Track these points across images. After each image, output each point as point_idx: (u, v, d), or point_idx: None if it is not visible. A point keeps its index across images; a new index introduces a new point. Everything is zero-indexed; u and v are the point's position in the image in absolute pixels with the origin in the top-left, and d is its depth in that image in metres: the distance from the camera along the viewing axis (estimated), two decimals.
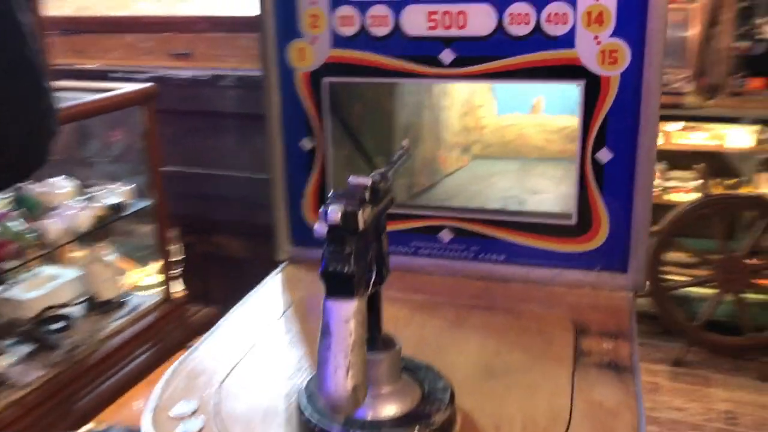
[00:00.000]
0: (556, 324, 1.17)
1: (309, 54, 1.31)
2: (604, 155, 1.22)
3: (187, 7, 2.46)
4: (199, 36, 2.30)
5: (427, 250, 1.34)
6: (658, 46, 1.14)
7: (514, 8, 1.20)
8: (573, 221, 1.26)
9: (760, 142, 3.25)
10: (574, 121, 2.26)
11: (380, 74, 1.29)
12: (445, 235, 1.33)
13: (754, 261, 3.05)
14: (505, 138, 2.33)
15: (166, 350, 1.83)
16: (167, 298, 1.93)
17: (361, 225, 0.78)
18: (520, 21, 1.20)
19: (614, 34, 1.16)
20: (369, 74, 1.29)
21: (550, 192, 1.85)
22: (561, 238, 1.28)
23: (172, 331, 1.84)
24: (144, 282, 2.58)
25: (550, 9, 1.18)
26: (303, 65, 1.32)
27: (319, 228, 0.78)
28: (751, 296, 3.09)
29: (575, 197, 1.25)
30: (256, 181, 2.18)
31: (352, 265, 0.77)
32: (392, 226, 1.36)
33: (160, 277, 2.11)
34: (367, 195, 0.82)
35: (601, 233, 1.25)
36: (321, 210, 0.79)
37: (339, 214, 0.77)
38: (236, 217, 2.26)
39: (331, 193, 0.81)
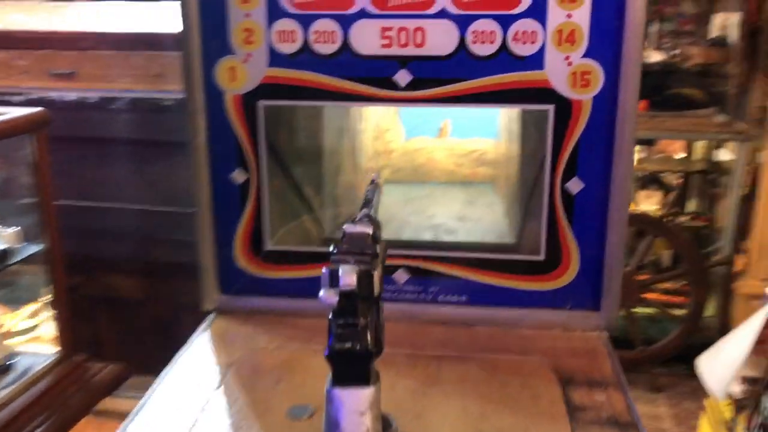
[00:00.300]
0: (537, 374, 1.02)
1: (241, 74, 1.10)
2: (575, 185, 1.09)
3: (70, 21, 2.16)
4: (85, 54, 2.01)
5: None
6: (634, 68, 1.03)
7: (478, 25, 1.05)
8: (541, 257, 1.13)
9: (639, 161, 3.31)
10: (482, 144, 2.18)
11: (326, 97, 1.10)
12: (401, 276, 1.16)
13: (642, 276, 3.08)
14: (414, 162, 2.20)
15: (67, 419, 1.53)
16: (64, 356, 1.62)
17: (377, 288, 0.60)
18: (484, 39, 1.05)
19: (587, 54, 1.04)
20: (312, 97, 1.11)
21: (478, 219, 1.73)
22: (528, 275, 1.14)
23: (72, 395, 1.55)
24: (19, 327, 2.23)
25: (517, 27, 1.04)
26: (234, 86, 1.11)
27: (328, 296, 0.59)
28: (640, 311, 3.11)
29: (544, 231, 1.12)
30: (153, 213, 1.93)
31: (369, 342, 0.59)
32: None
33: (53, 330, 1.76)
34: (377, 248, 0.63)
35: (571, 269, 1.12)
36: (325, 272, 0.60)
37: (354, 277, 0.58)
38: (130, 254, 1.99)
39: (333, 249, 0.63)
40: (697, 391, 3.10)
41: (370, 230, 0.66)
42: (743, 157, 3.03)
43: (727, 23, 3.16)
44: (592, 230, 1.10)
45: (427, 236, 1.55)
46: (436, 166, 2.24)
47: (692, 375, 3.14)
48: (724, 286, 3.15)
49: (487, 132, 2.20)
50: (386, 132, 2.20)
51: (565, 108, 1.06)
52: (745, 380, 2.37)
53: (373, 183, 0.89)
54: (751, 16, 2.88)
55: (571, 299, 1.13)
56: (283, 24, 1.08)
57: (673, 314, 3.10)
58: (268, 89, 1.10)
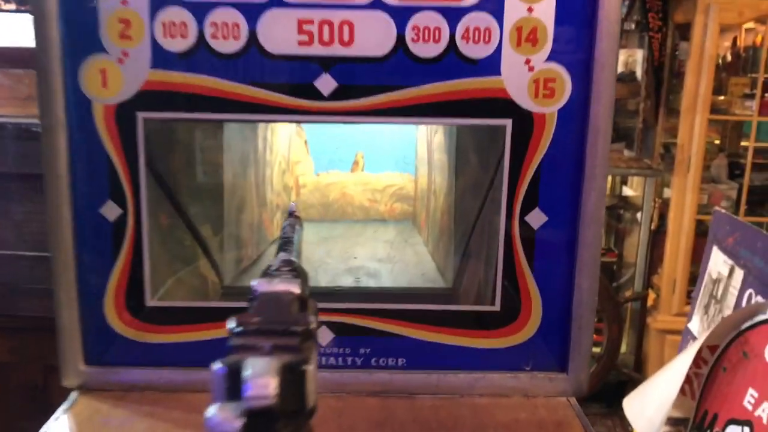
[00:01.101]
0: None
1: (116, 77, 0.82)
2: (536, 218, 0.86)
3: None
4: None
5: None
6: (608, 75, 0.82)
7: (420, 19, 0.81)
8: (495, 307, 0.89)
9: None
10: (398, 179, 1.95)
11: (226, 108, 0.83)
12: (323, 336, 0.89)
13: None
14: (326, 198, 1.95)
15: None
16: None
17: (312, 398, 0.33)
18: (427, 37, 0.82)
19: (551, 57, 0.82)
20: (209, 108, 0.83)
21: (401, 260, 1.49)
22: (479, 330, 0.89)
23: None
24: None
25: (467, 22, 0.81)
26: (106, 94, 0.82)
27: (223, 421, 0.31)
28: None
29: (499, 275, 0.88)
30: (20, 259, 1.58)
31: None
32: None
33: None
34: (310, 319, 0.37)
35: (532, 321, 0.89)
36: (218, 372, 0.33)
37: (273, 384, 0.31)
38: None
39: (233, 325, 0.36)
40: (614, 430, 2.95)
41: (296, 288, 0.40)
42: (651, 192, 2.95)
43: (630, 60, 3.11)
44: (556, 273, 0.87)
45: (346, 281, 1.30)
46: (350, 202, 2.00)
47: (609, 414, 3.00)
48: (638, 321, 3.04)
49: (402, 165, 1.98)
50: (296, 165, 1.94)
51: (524, 123, 0.84)
52: (672, 421, 2.21)
53: (292, 216, 0.63)
54: (654, 53, 2.82)
55: (532, 359, 0.89)
56: (172, 14, 0.80)
57: None
58: (150, 98, 0.82)
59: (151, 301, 0.87)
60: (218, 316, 0.89)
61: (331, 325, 0.89)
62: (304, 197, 1.92)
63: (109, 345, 0.87)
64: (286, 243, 0.54)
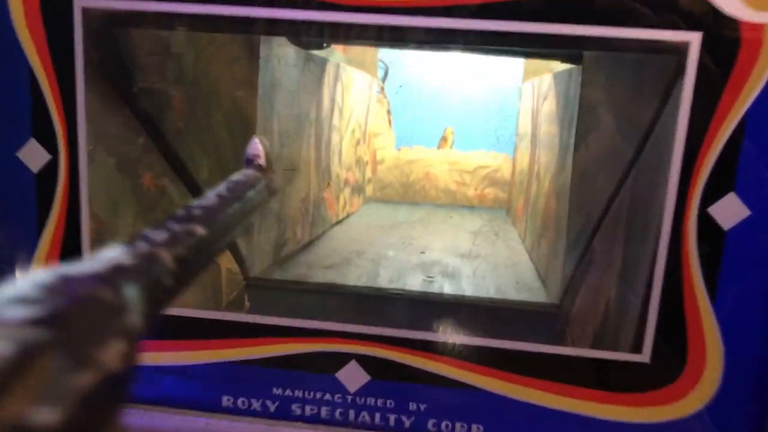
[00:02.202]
0: None
1: None
2: (730, 211, 0.48)
3: None
4: None
5: (312, 408, 0.54)
6: None
7: None
8: (643, 357, 0.51)
9: None
10: (491, 160, 1.58)
11: (231, 21, 0.49)
12: (353, 376, 0.54)
13: None
14: (407, 178, 1.61)
15: None
16: None
17: None
18: None
19: None
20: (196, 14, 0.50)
21: (488, 256, 1.12)
22: (611, 391, 0.52)
23: None
24: None
25: None
26: None
27: None
28: None
29: (651, 303, 0.50)
30: None
31: None
32: (238, 352, 0.56)
33: None
34: None
35: (705, 383, 0.51)
36: None
37: None
38: None
39: None
40: None
41: None
42: None
43: None
44: (755, 307, 0.49)
45: (414, 280, 0.95)
46: (434, 184, 1.66)
47: None
48: None
49: (497, 144, 1.62)
50: (375, 137, 1.61)
51: (724, 41, 0.45)
52: None
53: (251, 165, 0.28)
54: None
55: None
56: None
57: None
58: None
59: None
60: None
61: (365, 361, 0.53)
62: (382, 175, 1.60)
63: None
64: (174, 220, 0.19)
